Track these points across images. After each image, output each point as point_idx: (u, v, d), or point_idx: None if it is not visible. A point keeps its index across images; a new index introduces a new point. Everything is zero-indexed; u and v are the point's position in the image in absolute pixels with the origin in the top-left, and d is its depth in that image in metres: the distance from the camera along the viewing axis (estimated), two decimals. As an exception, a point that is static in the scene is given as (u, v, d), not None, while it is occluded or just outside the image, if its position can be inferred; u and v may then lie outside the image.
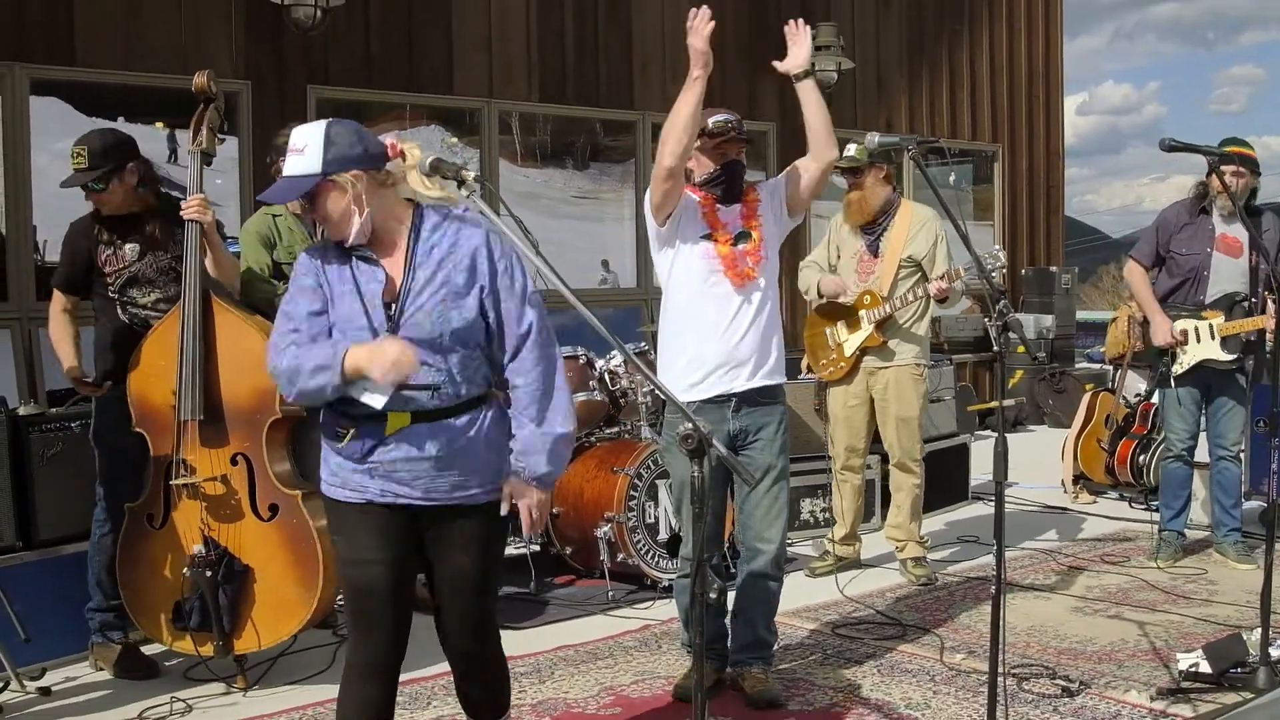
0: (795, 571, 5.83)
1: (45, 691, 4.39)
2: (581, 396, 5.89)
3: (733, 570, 4.68)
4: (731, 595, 4.28)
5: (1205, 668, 4.23)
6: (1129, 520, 7.08)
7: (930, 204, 5.76)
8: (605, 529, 5.49)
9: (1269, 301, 5.78)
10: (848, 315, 5.85)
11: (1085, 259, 31.51)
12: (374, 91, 8.05)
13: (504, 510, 3.09)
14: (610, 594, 5.48)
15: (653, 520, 5.60)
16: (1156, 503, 6.43)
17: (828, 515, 6.66)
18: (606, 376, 6.03)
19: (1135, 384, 8.39)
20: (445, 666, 4.33)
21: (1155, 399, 7.30)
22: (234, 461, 4.35)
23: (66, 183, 4.50)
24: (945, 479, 7.27)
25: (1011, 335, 3.51)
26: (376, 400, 2.93)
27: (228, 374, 4.35)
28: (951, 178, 12.13)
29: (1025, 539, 6.68)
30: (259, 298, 4.77)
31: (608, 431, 6.10)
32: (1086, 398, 8.13)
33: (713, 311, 4.15)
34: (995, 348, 3.48)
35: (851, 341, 5.83)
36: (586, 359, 6.02)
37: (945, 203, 3.97)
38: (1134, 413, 7.77)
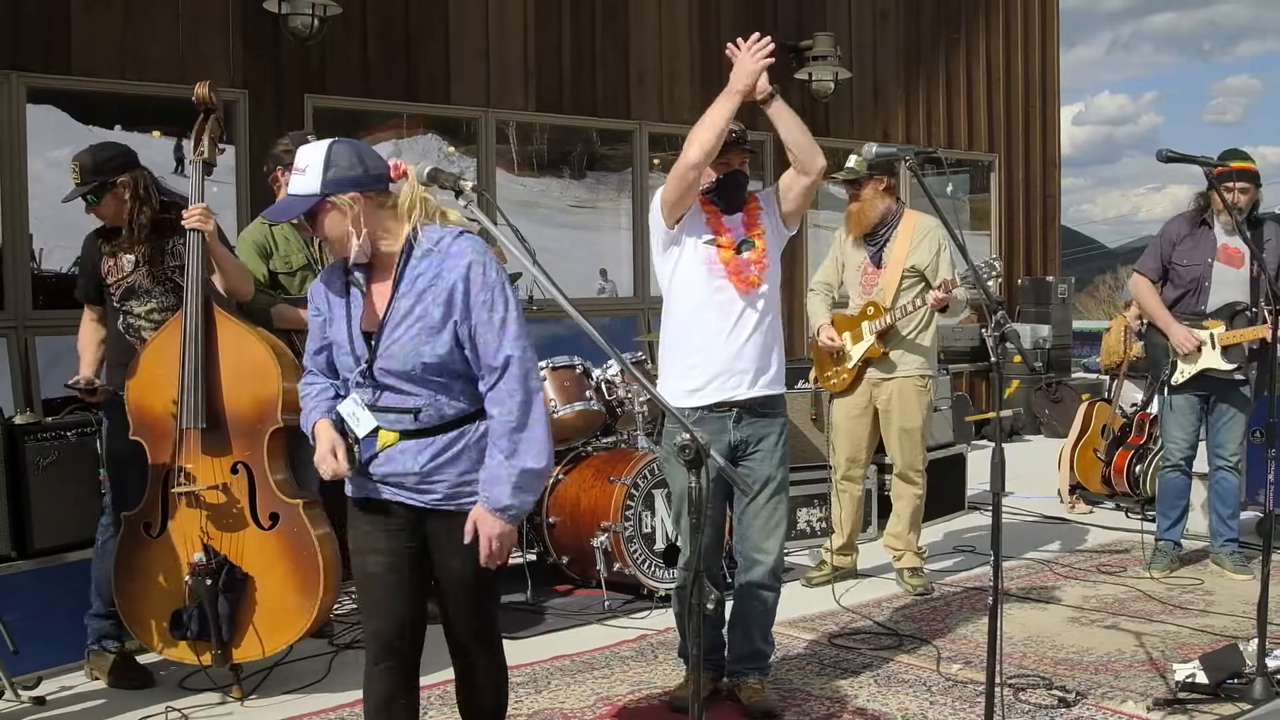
0: (792, 581, 5.82)
1: (40, 701, 4.38)
2: (578, 406, 5.89)
3: (730, 580, 4.68)
4: (728, 606, 4.28)
5: (1202, 678, 4.22)
6: (1125, 530, 7.08)
7: (929, 214, 5.77)
8: (602, 538, 5.49)
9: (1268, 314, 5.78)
10: (852, 327, 5.86)
11: (1082, 269, 31.58)
12: (371, 101, 8.06)
13: (466, 539, 3.06)
14: (607, 604, 5.48)
15: (649, 530, 5.59)
16: (1153, 513, 6.43)
17: (824, 525, 6.66)
18: (603, 386, 6.03)
19: (1132, 394, 8.40)
20: (442, 675, 4.36)
21: (1152, 408, 7.31)
22: (234, 470, 4.35)
23: (66, 198, 4.60)
24: (941, 489, 7.27)
25: (1009, 346, 3.51)
26: (359, 428, 3.13)
27: (229, 383, 4.36)
28: (949, 188, 12.15)
29: (1021, 549, 6.67)
30: (256, 307, 4.79)
31: (604, 441, 6.10)
32: (1083, 407, 8.14)
33: (715, 318, 4.15)
34: (993, 358, 3.48)
35: (854, 353, 5.84)
36: (583, 368, 6.02)
37: (943, 214, 3.98)
38: (1130, 423, 7.78)
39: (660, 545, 5.60)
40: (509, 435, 3.01)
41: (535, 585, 5.66)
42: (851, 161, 5.71)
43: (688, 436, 2.61)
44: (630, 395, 6.00)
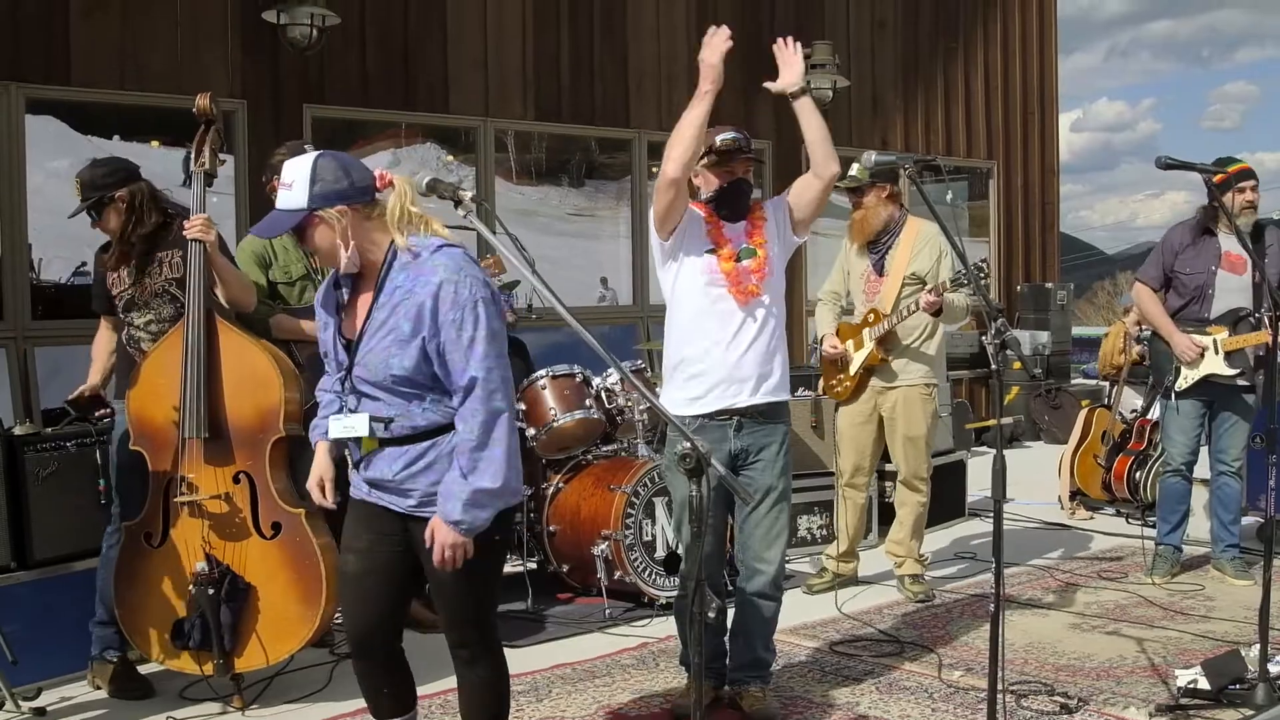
0: (793, 589, 5.82)
1: (40, 712, 4.37)
2: (578, 414, 5.88)
3: (732, 588, 4.67)
4: (730, 614, 4.28)
5: (1204, 684, 4.22)
6: (1126, 536, 7.08)
7: (930, 221, 5.76)
8: (603, 547, 5.48)
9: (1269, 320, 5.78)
10: (855, 335, 5.86)
11: (1080, 275, 31.63)
12: (370, 110, 8.07)
13: (426, 544, 3.10)
14: (607, 612, 5.47)
15: (650, 538, 5.59)
16: (1153, 518, 6.42)
17: (825, 532, 6.65)
18: (603, 394, 6.03)
19: (1131, 400, 8.39)
20: (440, 685, 4.36)
21: (1153, 414, 7.31)
22: (236, 480, 4.35)
23: (71, 214, 4.63)
24: (942, 496, 7.26)
25: (1009, 353, 3.51)
26: (351, 432, 3.23)
27: (232, 393, 4.36)
28: (949, 195, 12.16)
29: (1022, 555, 6.67)
30: (255, 317, 4.79)
31: (604, 449, 6.09)
32: (1083, 414, 8.13)
33: (715, 327, 4.15)
34: (993, 365, 3.48)
35: (855, 360, 5.84)
36: (583, 377, 6.01)
37: (943, 221, 3.97)
38: (1130, 429, 7.78)
39: (661, 553, 5.60)
40: (469, 453, 3.03)
41: (536, 594, 5.66)
42: (854, 169, 5.72)
43: (688, 445, 2.61)
44: (630, 403, 5.99)
